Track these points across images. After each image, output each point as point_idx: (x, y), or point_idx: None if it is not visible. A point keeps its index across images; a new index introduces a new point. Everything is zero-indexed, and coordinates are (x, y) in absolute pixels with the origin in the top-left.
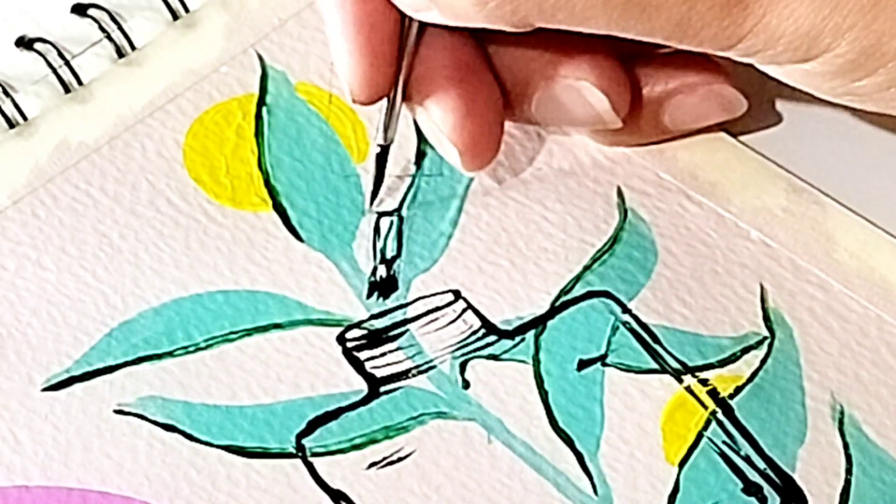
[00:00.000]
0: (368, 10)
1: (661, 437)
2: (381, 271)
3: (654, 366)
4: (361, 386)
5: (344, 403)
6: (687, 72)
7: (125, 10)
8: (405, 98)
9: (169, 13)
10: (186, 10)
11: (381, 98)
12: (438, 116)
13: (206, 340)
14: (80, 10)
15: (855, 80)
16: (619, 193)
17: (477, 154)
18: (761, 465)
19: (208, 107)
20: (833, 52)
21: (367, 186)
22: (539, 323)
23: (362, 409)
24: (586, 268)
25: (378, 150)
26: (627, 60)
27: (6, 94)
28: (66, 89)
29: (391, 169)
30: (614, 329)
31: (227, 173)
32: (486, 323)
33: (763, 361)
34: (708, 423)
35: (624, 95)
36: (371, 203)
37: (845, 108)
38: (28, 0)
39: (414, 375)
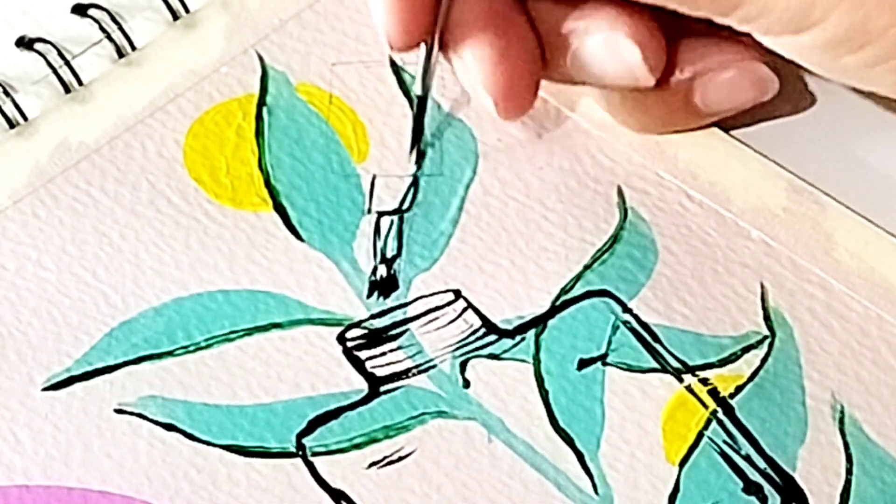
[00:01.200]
0: None
1: (662, 436)
2: (382, 271)
3: (655, 365)
4: (362, 385)
5: (344, 403)
6: (719, 50)
7: (125, 11)
8: (441, 47)
9: (169, 13)
10: (187, 10)
11: (416, 45)
12: (473, 64)
13: (206, 340)
14: (80, 10)
15: (843, 56)
16: (620, 193)
17: (510, 103)
18: (762, 464)
19: (209, 107)
20: (823, 26)
21: (367, 186)
22: (539, 322)
23: (363, 408)
24: (587, 267)
25: (416, 100)
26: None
27: (6, 94)
28: (67, 89)
29: (392, 168)
30: (615, 328)
31: (227, 173)
32: (486, 322)
33: (763, 361)
34: (708, 422)
35: (658, 52)
36: (410, 155)
37: (844, 110)
38: (28, 0)
39: (414, 375)
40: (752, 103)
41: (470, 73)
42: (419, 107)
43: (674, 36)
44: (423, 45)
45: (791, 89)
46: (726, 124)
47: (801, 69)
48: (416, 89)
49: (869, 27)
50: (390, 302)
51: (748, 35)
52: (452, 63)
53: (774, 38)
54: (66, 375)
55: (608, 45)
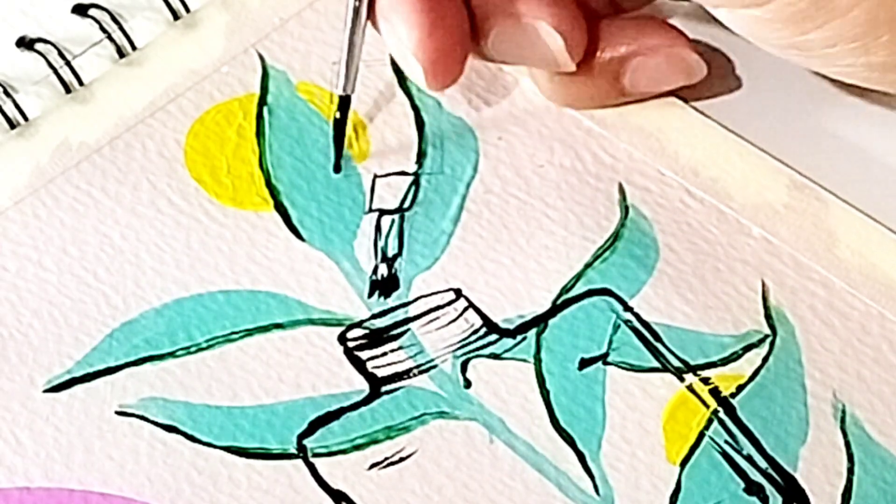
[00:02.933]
0: None
1: (663, 436)
2: (383, 270)
3: (656, 364)
4: (363, 386)
5: (345, 403)
6: (648, 34)
7: (126, 11)
8: (370, 17)
9: (170, 13)
10: (187, 10)
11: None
12: (404, 32)
13: (207, 341)
14: (80, 10)
15: (803, 33)
16: (621, 190)
17: (439, 72)
18: (763, 464)
19: (209, 107)
20: (786, 0)
21: (368, 185)
22: (540, 321)
23: (364, 409)
24: (588, 265)
25: (339, 100)
26: (590, 20)
27: (7, 94)
28: (67, 90)
29: (393, 166)
30: (616, 327)
31: (228, 173)
32: (487, 321)
33: (765, 360)
34: (710, 422)
35: (580, 39)
36: (337, 160)
37: (846, 106)
38: (29, 0)
39: (415, 375)
40: (678, 85)
41: (400, 40)
42: (342, 107)
43: (604, 17)
44: (345, 34)
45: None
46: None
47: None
48: (339, 90)
49: (835, 3)
50: (391, 301)
51: (700, 7)
52: (380, 28)
53: (729, 11)
54: (67, 377)
55: (530, 31)
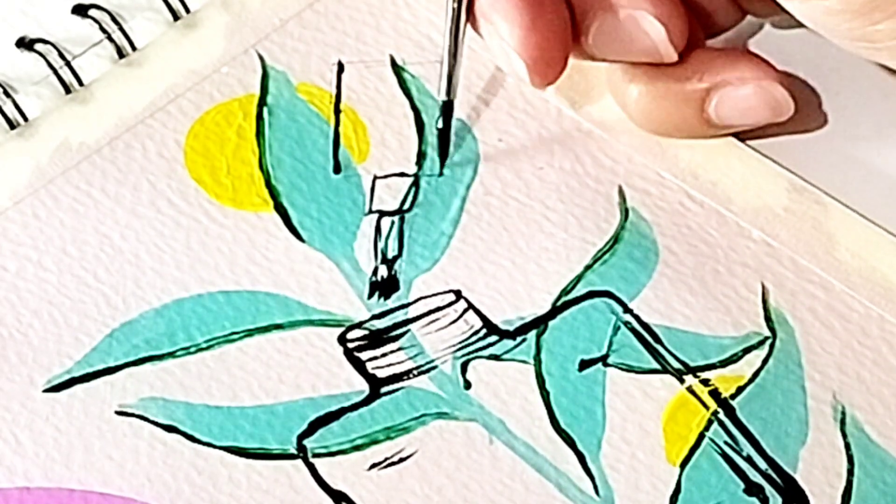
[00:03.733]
0: None
1: (663, 437)
2: (383, 271)
3: (656, 366)
4: (363, 386)
5: (345, 404)
6: (738, 66)
7: (126, 11)
8: (469, 18)
9: (170, 14)
10: (187, 10)
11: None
12: (505, 30)
13: (207, 341)
14: (80, 10)
15: (873, 23)
16: (621, 193)
17: (543, 69)
18: (763, 465)
19: (209, 107)
20: None
21: (367, 186)
22: (540, 323)
23: (363, 409)
24: (587, 267)
25: (442, 105)
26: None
27: (7, 94)
28: (67, 90)
29: (393, 168)
30: (616, 329)
31: (227, 174)
32: (487, 323)
33: (765, 361)
34: (709, 423)
35: (681, 29)
36: (442, 165)
37: (846, 105)
38: (29, 1)
39: (415, 376)
40: (764, 122)
41: (502, 37)
42: (446, 112)
43: (697, 45)
44: (446, 37)
45: (805, 109)
46: (739, 137)
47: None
48: (442, 95)
49: None
50: (391, 303)
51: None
52: (481, 30)
53: (801, 2)
54: (66, 377)
55: (631, 22)
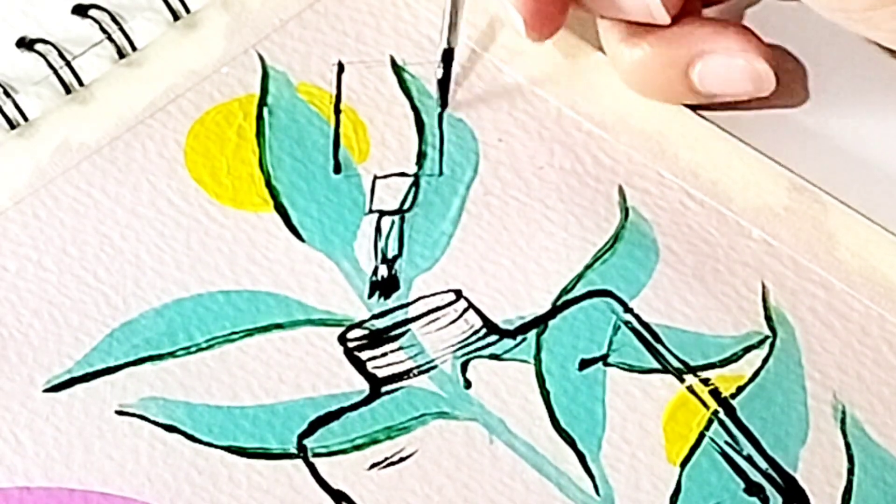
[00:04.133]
0: None
1: (663, 436)
2: (383, 271)
3: (656, 365)
4: (363, 386)
5: (345, 404)
6: (725, 36)
7: (126, 11)
8: None
9: (170, 14)
10: (187, 10)
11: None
12: None
13: (207, 341)
14: (80, 10)
15: (870, 8)
16: (621, 192)
17: (539, 23)
18: (763, 465)
19: (209, 107)
20: None
21: (368, 186)
22: (541, 322)
23: (364, 409)
24: (588, 267)
25: (442, 52)
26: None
27: (7, 94)
28: (67, 90)
29: (393, 167)
30: (616, 328)
31: (228, 174)
32: (487, 322)
33: (765, 361)
34: (710, 422)
35: None
36: (442, 110)
37: (846, 109)
38: (29, 1)
39: (415, 375)
40: (746, 96)
41: None
42: (446, 59)
43: (692, 13)
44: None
45: (791, 85)
46: (721, 110)
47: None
48: (443, 43)
49: None
50: (391, 302)
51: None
52: None
53: None
54: (66, 377)
55: None
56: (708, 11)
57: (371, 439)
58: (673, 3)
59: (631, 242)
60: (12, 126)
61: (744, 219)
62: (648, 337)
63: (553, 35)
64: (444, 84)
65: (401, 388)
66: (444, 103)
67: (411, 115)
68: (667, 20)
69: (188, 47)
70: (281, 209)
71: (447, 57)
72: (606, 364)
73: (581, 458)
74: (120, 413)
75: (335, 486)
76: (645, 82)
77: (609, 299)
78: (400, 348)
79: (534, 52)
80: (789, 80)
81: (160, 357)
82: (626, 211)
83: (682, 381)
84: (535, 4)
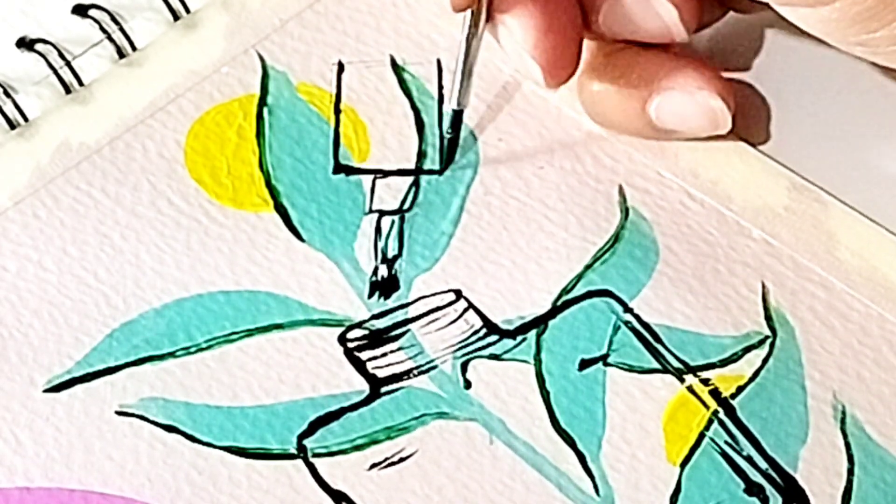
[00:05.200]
0: None
1: (663, 437)
2: (383, 271)
3: (656, 365)
4: (363, 386)
5: (345, 404)
6: (683, 72)
7: (126, 11)
8: (488, 18)
9: (170, 14)
10: (187, 10)
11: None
12: (520, 34)
13: (207, 341)
14: (80, 10)
15: (869, 32)
16: (621, 192)
17: (557, 69)
18: (763, 465)
19: (209, 107)
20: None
21: (368, 186)
22: (541, 322)
23: (364, 409)
24: (588, 267)
25: (452, 113)
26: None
27: (7, 94)
28: (67, 90)
29: (393, 167)
30: (616, 328)
31: (228, 174)
32: (487, 322)
33: (765, 361)
34: (710, 423)
35: (693, 11)
36: (447, 165)
37: (846, 106)
38: (29, 1)
39: (415, 375)
40: (703, 133)
41: (517, 41)
42: (455, 121)
43: (647, 48)
44: (462, 42)
45: (751, 121)
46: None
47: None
48: (453, 104)
49: None
50: (391, 302)
51: (766, 4)
52: (498, 34)
53: (794, 10)
54: (67, 377)
55: (643, 4)
56: (704, 33)
57: (371, 439)
58: (690, 19)
59: (631, 242)
60: (12, 126)
61: (744, 218)
62: (648, 337)
63: (570, 79)
64: (452, 145)
65: (401, 388)
66: (449, 162)
67: (411, 114)
68: (686, 38)
69: (188, 47)
70: (281, 209)
71: (457, 119)
72: (606, 364)
73: (581, 458)
74: (120, 413)
75: (335, 487)
76: (605, 114)
77: (609, 299)
78: (400, 348)
79: None
80: (754, 115)
81: (160, 357)
82: (626, 211)
83: (682, 381)
84: (552, 54)
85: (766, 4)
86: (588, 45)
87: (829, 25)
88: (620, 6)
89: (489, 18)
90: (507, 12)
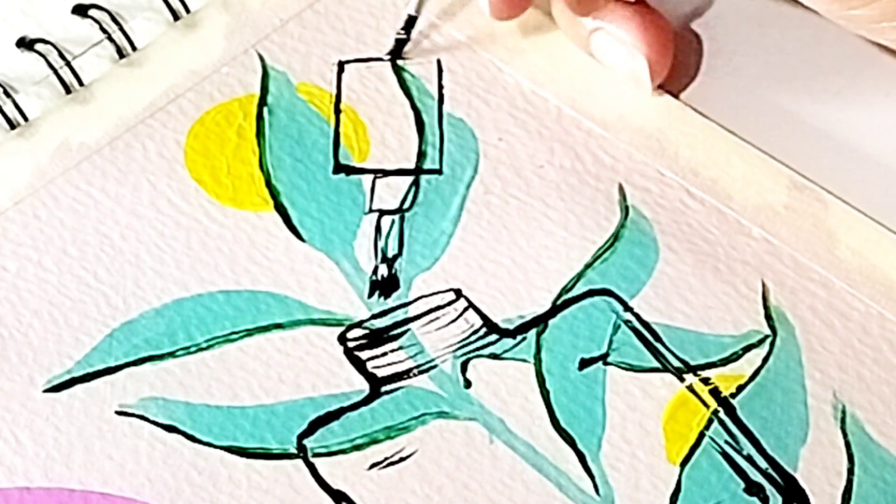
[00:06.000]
0: None
1: (663, 436)
2: (383, 270)
3: (656, 364)
4: (363, 386)
5: (345, 403)
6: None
7: (126, 11)
8: None
9: (170, 14)
10: (187, 10)
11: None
12: (621, 33)
13: (207, 341)
14: (81, 10)
15: (851, 8)
16: (621, 191)
17: (662, 62)
18: (763, 464)
19: (209, 107)
20: None
21: (368, 186)
22: (540, 321)
23: (364, 409)
24: (588, 266)
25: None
26: None
27: (7, 94)
28: (67, 90)
29: (393, 167)
30: (616, 327)
31: (228, 173)
32: (487, 322)
33: (765, 360)
34: (710, 422)
35: None
36: (394, 56)
37: (846, 107)
38: (29, 1)
39: (415, 375)
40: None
41: (617, 39)
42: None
43: None
44: None
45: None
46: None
47: None
48: (410, 8)
49: None
50: (391, 302)
51: None
52: (591, 43)
53: None
54: (67, 377)
55: None
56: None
57: (371, 439)
58: None
59: (631, 241)
60: (12, 126)
61: (744, 217)
62: (648, 336)
63: (518, 14)
64: (400, 44)
65: (401, 387)
66: (396, 55)
67: (411, 114)
68: None
69: (188, 47)
70: (281, 209)
71: (409, 24)
72: (606, 363)
73: (581, 457)
74: (120, 413)
75: (335, 486)
76: (563, 30)
77: (609, 298)
78: (400, 348)
79: (534, 51)
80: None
81: (160, 357)
82: (626, 209)
83: (682, 380)
84: (656, 38)
85: None
86: None
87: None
88: None
89: (574, 30)
90: (601, 16)
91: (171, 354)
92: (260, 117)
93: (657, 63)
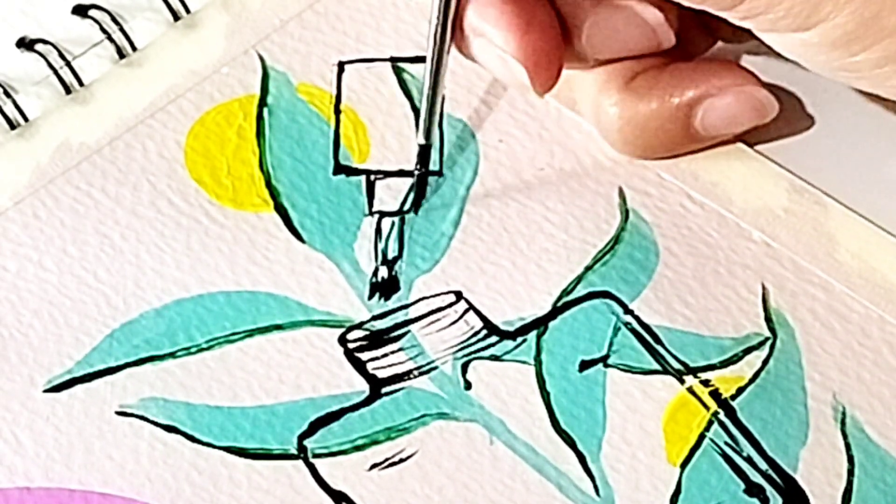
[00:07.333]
0: None
1: (663, 437)
2: (383, 272)
3: (656, 366)
4: (363, 387)
5: (346, 404)
6: (717, 75)
7: (126, 11)
8: (458, 37)
9: (170, 14)
10: (187, 10)
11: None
12: (499, 37)
13: (207, 341)
14: (81, 11)
15: (851, 55)
16: (621, 194)
17: (543, 69)
18: (763, 466)
19: (209, 108)
20: (832, 22)
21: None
22: (541, 324)
23: (364, 410)
24: (588, 268)
25: (419, 149)
26: (660, 66)
27: (7, 95)
28: (68, 90)
29: (393, 168)
30: (616, 330)
31: (228, 174)
32: (487, 324)
33: (765, 362)
34: (710, 424)
35: (674, 12)
36: (418, 208)
37: (846, 107)
38: (29, 1)
39: (416, 376)
40: (751, 125)
41: (498, 46)
42: (422, 156)
43: (672, 63)
44: (427, 74)
45: (791, 111)
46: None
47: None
48: (420, 139)
49: (882, 23)
50: (391, 303)
51: (748, 31)
52: (472, 48)
53: (778, 35)
54: (67, 377)
55: (626, 12)
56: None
57: (371, 440)
58: (675, 20)
59: (631, 244)
60: (12, 126)
61: (744, 220)
62: (648, 338)
63: (556, 83)
64: (422, 182)
65: (401, 388)
66: (420, 199)
67: (411, 115)
68: (673, 41)
69: (188, 47)
70: (281, 210)
71: (423, 154)
72: (606, 365)
73: (581, 458)
74: (120, 413)
75: (335, 487)
76: (645, 144)
77: (609, 301)
78: (400, 349)
79: None
80: (787, 104)
81: (160, 357)
82: (626, 213)
83: (683, 382)
84: (536, 52)
85: (750, 32)
86: (598, 80)
87: (811, 50)
88: (604, 19)
89: (459, 38)
90: (482, 19)
91: (172, 355)
92: (260, 118)
93: (537, 68)
